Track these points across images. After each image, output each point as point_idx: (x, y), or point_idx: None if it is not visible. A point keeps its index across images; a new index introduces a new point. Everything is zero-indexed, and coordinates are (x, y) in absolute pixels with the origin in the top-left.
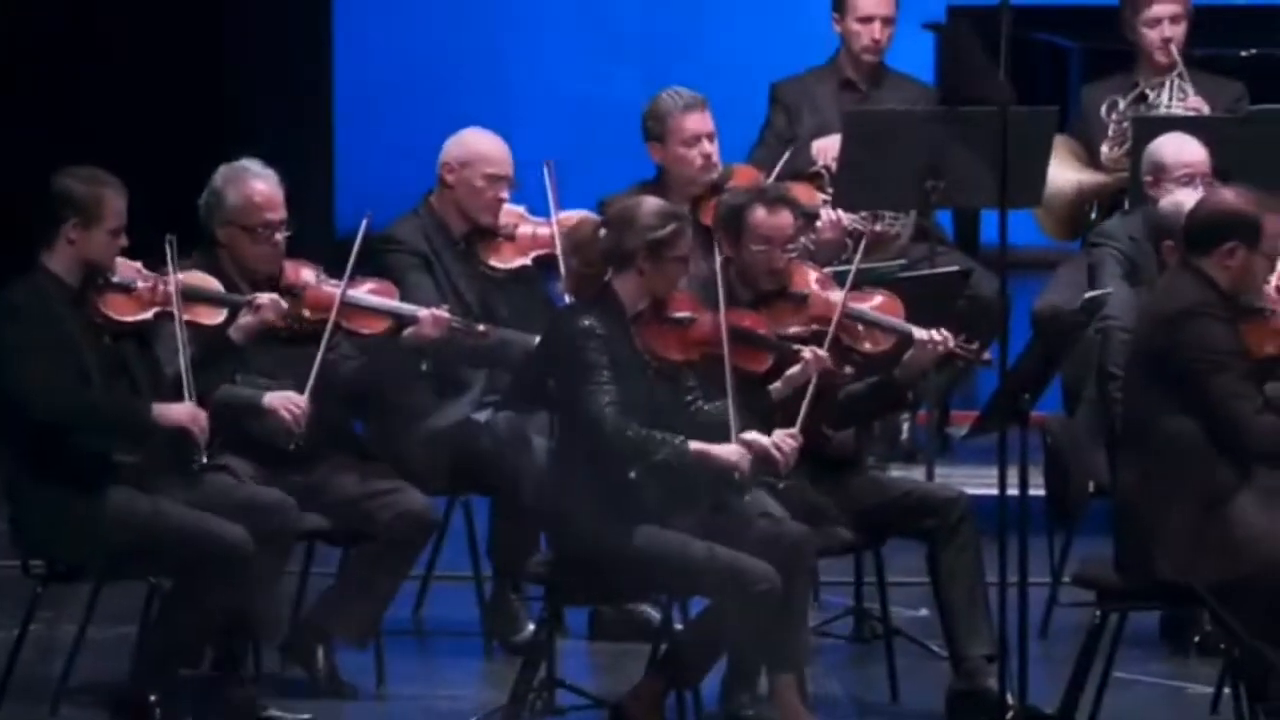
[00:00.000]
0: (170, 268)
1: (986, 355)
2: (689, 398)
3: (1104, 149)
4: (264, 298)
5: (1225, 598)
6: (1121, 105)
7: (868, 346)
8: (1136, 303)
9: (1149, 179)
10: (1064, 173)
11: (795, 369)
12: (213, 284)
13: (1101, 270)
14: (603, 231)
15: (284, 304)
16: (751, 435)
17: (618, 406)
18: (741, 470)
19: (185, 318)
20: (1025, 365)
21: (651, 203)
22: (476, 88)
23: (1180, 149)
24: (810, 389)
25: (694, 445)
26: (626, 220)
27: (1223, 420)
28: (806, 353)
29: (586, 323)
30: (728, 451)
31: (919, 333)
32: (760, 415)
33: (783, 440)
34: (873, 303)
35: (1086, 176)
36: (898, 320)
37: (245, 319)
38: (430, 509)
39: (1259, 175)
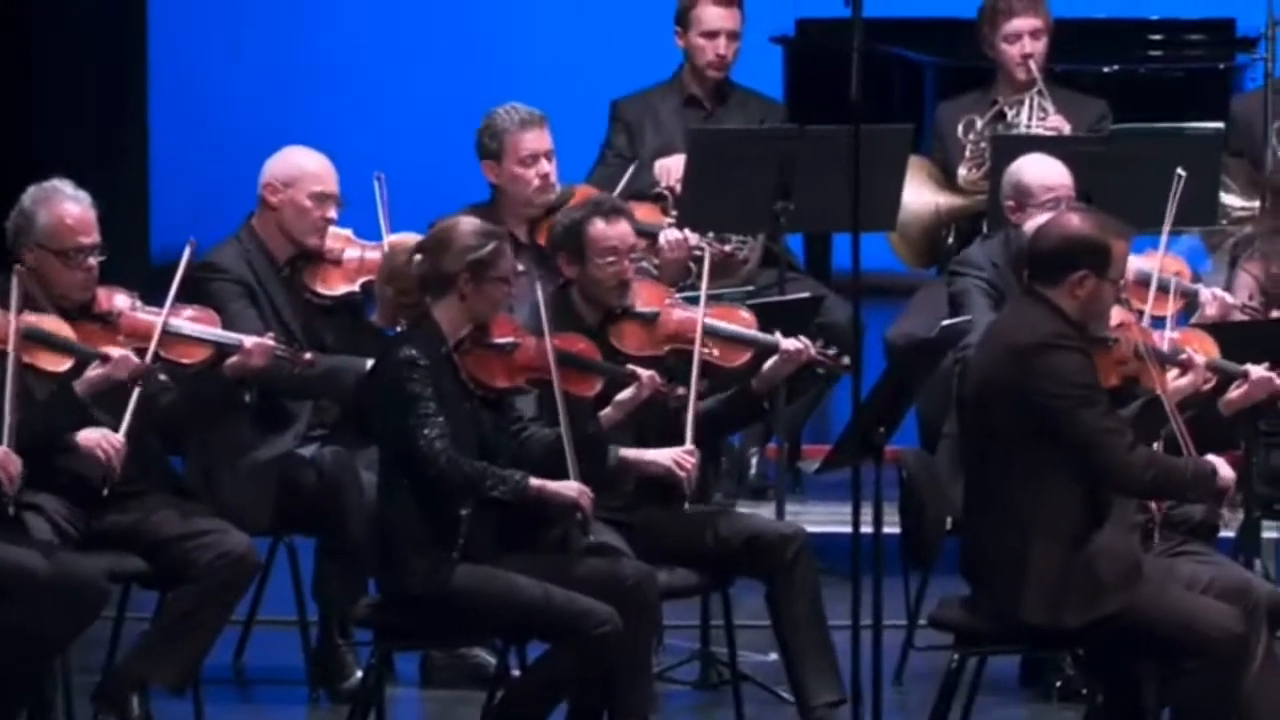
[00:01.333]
0: (13, 305)
1: (845, 359)
2: (516, 426)
3: (961, 170)
4: (117, 353)
5: (1094, 638)
6: (979, 124)
7: (724, 361)
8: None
9: (1010, 203)
10: (920, 195)
11: (627, 392)
12: (64, 331)
13: (969, 300)
14: (418, 257)
15: (135, 360)
16: (649, 455)
17: (448, 439)
18: (583, 509)
19: (26, 360)
20: (879, 397)
21: (468, 222)
22: (300, 105)
23: (1044, 171)
24: (690, 407)
25: (534, 481)
26: (443, 243)
27: (1096, 457)
28: (640, 374)
29: (408, 353)
30: (568, 488)
31: (786, 343)
32: (591, 443)
33: (682, 457)
34: (723, 314)
35: (943, 199)
36: (756, 332)
37: (93, 372)
38: (253, 550)
39: (1123, 197)
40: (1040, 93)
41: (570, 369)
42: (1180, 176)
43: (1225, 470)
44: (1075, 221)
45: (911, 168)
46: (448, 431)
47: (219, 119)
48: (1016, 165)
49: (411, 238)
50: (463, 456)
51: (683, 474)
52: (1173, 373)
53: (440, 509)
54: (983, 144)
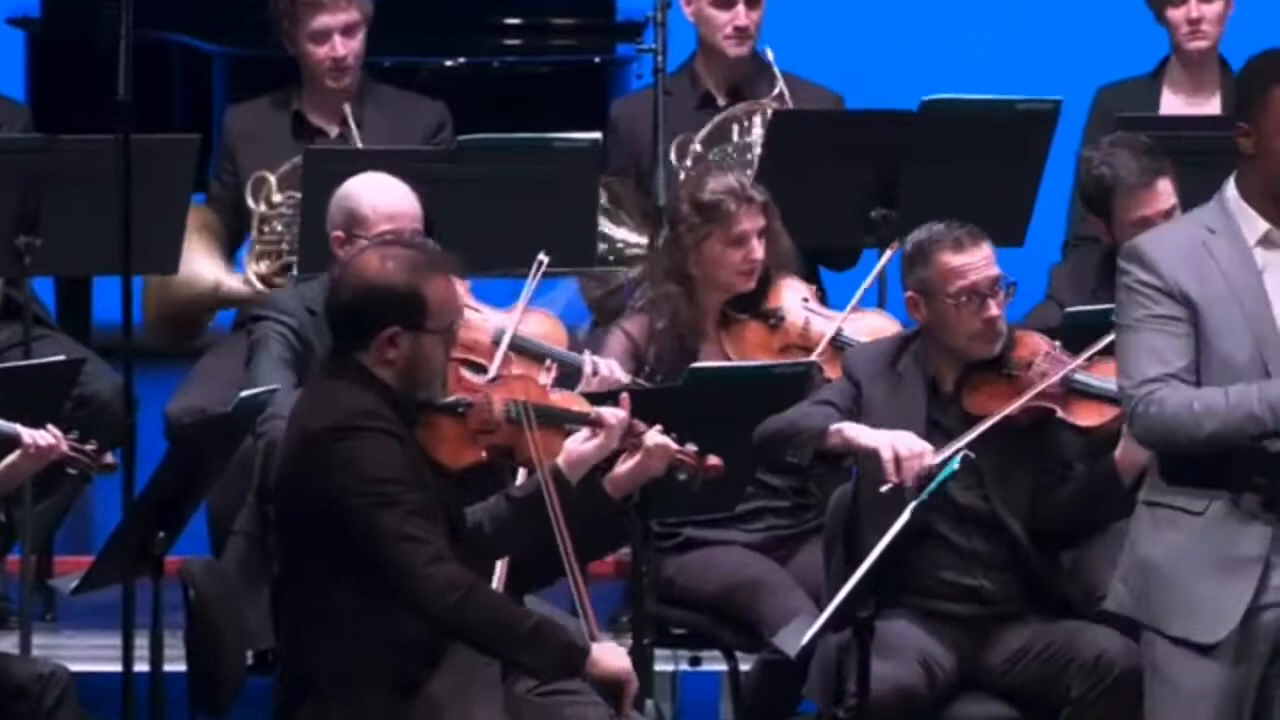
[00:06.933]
0: None
1: (110, 458)
2: None
3: (249, 264)
4: None
5: None
6: (273, 178)
7: None
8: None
9: (339, 234)
10: (200, 266)
11: None
12: None
13: (259, 354)
14: None
15: None
16: None
17: None
18: None
19: None
20: (158, 490)
21: None
22: None
23: (384, 196)
24: None
25: None
26: None
27: (389, 570)
28: None
29: None
30: None
31: (26, 434)
32: None
33: None
34: None
35: (227, 283)
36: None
37: None
38: None
39: (474, 227)
40: (348, 113)
41: None
42: (541, 262)
43: (608, 663)
44: (374, 264)
45: (194, 224)
46: None
47: None
48: (349, 187)
49: None
50: None
51: None
52: (580, 434)
53: None
54: (284, 208)
